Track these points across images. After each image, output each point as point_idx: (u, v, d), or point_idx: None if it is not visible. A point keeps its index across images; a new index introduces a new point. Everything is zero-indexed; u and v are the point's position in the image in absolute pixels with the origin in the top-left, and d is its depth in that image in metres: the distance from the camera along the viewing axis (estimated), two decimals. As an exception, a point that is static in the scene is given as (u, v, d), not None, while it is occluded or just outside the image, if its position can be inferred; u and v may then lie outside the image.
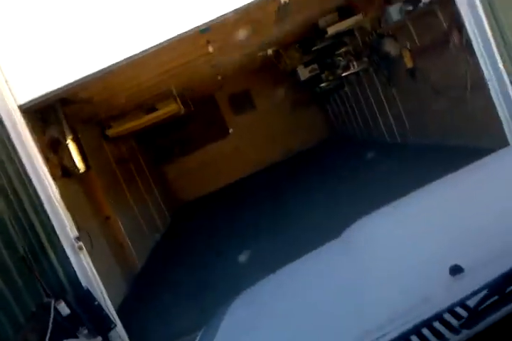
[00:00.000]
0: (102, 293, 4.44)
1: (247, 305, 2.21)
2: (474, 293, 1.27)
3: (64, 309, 3.95)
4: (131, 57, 4.65)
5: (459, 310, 1.31)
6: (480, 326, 1.23)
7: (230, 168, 14.05)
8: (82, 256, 4.42)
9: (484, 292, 1.25)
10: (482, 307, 1.23)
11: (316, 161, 11.67)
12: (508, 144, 5.07)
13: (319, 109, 15.21)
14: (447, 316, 1.30)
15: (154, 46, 4.67)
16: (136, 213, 9.51)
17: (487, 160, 2.61)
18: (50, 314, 3.77)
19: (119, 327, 4.49)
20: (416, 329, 1.30)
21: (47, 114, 6.19)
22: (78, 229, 4.60)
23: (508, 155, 2.70)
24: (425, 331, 1.30)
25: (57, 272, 4.31)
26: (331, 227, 2.89)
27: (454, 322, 1.28)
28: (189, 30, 4.71)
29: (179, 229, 11.10)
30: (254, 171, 13.77)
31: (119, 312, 4.97)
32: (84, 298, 4.25)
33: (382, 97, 10.26)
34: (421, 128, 9.11)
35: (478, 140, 6.67)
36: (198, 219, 10.87)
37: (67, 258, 4.38)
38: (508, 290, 1.25)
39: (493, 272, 1.29)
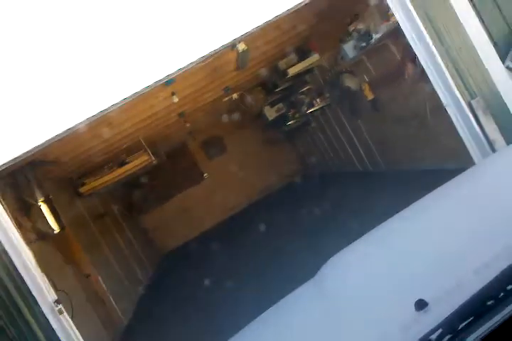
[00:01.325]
0: (87, 355, 4.31)
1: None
2: (430, 334, 1.28)
3: (49, 377, 3.81)
4: (94, 115, 4.67)
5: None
6: None
7: (208, 213, 14.00)
8: (63, 319, 4.30)
9: (439, 331, 1.27)
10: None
11: (292, 198, 11.75)
12: (473, 164, 5.23)
13: (290, 147, 15.44)
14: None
15: (118, 103, 4.71)
16: (117, 268, 9.34)
17: (454, 183, 2.68)
18: (34, 384, 3.63)
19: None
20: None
21: (16, 178, 6.16)
22: (57, 291, 4.50)
23: (473, 176, 2.77)
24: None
25: (39, 339, 4.19)
26: (310, 265, 2.92)
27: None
28: (154, 83, 4.79)
29: (162, 280, 10.88)
30: (233, 213, 13.73)
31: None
32: (68, 363, 4.12)
33: (349, 129, 10.52)
34: (390, 155, 9.33)
35: (445, 162, 6.86)
36: (180, 269, 10.70)
37: (48, 322, 4.25)
38: (461, 326, 1.26)
39: (457, 302, 1.31)
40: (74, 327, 4.34)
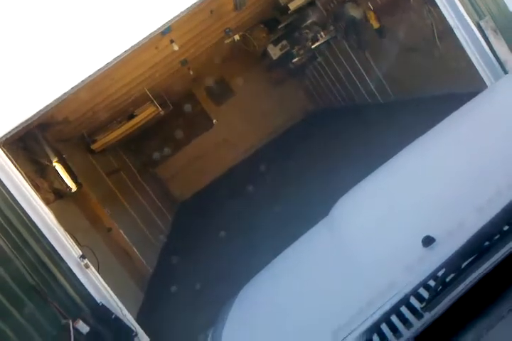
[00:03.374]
0: (117, 304, 4.51)
1: (245, 304, 2.27)
2: (434, 273, 1.28)
3: (83, 327, 4.03)
4: (97, 71, 4.60)
5: (422, 291, 1.32)
6: (445, 304, 1.23)
7: (221, 158, 14.02)
8: (89, 273, 4.48)
9: (443, 271, 1.26)
10: (441, 287, 1.24)
11: (303, 135, 11.70)
12: (486, 87, 5.09)
13: (298, 84, 15.14)
14: (413, 300, 1.33)
15: (118, 56, 4.62)
16: (137, 219, 9.56)
17: (462, 112, 2.60)
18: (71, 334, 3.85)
19: (141, 334, 4.58)
20: (385, 317, 1.32)
21: (28, 141, 6.20)
22: (81, 247, 4.65)
23: (482, 102, 2.68)
24: (394, 318, 1.32)
25: (69, 293, 4.38)
26: (325, 200, 2.96)
27: (418, 305, 1.30)
28: (151, 34, 4.66)
29: (182, 227, 11.12)
30: (246, 156, 13.83)
31: (139, 318, 5.08)
32: (100, 313, 4.33)
33: (356, 61, 10.28)
34: (399, 84, 9.15)
35: (457, 86, 6.70)
36: (198, 214, 10.91)
37: (76, 277, 4.43)
38: (464, 265, 1.25)
39: (464, 237, 1.30)
40: (101, 280, 4.52)
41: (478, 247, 1.24)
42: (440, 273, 1.24)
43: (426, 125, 2.73)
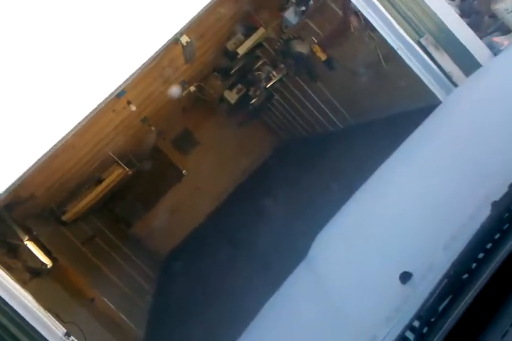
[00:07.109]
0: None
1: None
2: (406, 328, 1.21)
3: None
4: (57, 143, 4.50)
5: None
6: None
7: (196, 208, 13.92)
8: (77, 350, 4.25)
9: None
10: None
11: (273, 172, 11.80)
12: (437, 99, 5.22)
13: (260, 123, 15.36)
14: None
15: (76, 126, 4.53)
16: (120, 285, 9.28)
17: (416, 138, 2.62)
18: None
19: None
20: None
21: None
22: (64, 324, 4.43)
23: (434, 118, 2.71)
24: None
25: (58, 375, 4.12)
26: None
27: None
28: (105, 100, 4.62)
29: (168, 284, 10.84)
30: (221, 201, 13.85)
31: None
32: None
33: (311, 93, 10.55)
34: (356, 109, 9.37)
35: (410, 103, 6.86)
36: (183, 268, 10.66)
37: (63, 358, 4.18)
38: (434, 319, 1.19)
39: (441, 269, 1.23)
40: (90, 356, 4.28)
41: (452, 287, 1.17)
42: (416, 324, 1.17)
43: (389, 143, 2.75)
